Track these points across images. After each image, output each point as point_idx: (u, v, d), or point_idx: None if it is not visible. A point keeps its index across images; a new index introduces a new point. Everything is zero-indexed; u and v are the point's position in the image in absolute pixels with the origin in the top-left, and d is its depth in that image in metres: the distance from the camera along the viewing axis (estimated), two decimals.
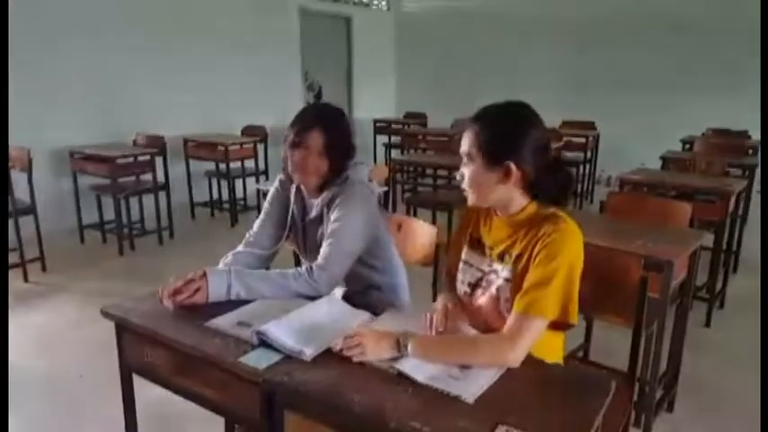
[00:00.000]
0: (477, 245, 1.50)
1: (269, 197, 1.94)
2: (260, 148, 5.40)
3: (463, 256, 1.53)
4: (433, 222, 4.44)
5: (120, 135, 4.88)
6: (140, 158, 4.49)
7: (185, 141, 5.23)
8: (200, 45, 5.58)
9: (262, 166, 5.49)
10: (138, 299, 1.72)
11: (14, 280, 3.78)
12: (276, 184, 1.93)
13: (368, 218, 1.76)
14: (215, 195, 5.57)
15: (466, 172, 1.39)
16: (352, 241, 1.73)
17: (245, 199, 5.61)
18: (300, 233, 1.90)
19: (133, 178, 4.55)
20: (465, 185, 1.41)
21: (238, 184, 5.42)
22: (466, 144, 1.39)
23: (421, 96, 7.85)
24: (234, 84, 5.98)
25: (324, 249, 1.71)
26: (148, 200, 4.68)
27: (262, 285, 1.65)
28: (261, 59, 6.24)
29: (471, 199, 1.41)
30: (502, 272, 1.41)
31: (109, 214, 4.51)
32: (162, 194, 4.63)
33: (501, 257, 1.42)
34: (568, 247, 1.30)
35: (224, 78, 5.88)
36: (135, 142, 4.83)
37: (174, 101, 5.40)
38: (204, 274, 1.63)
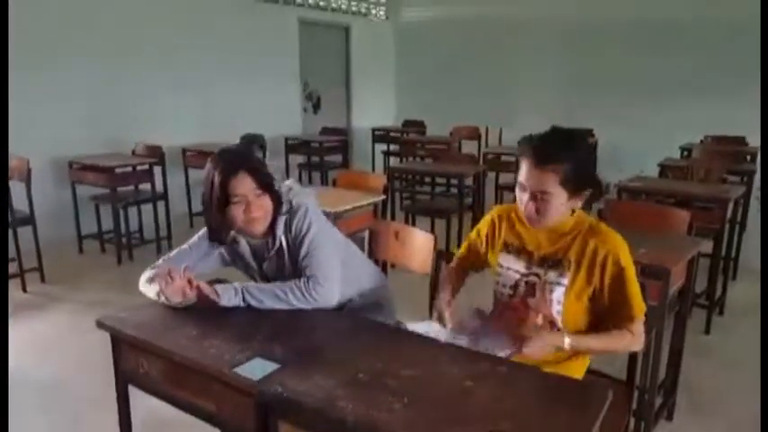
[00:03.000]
0: (517, 250, 1.65)
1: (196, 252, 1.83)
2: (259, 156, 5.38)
3: (501, 260, 1.68)
4: (432, 230, 4.47)
5: (119, 145, 4.89)
6: (139, 168, 4.49)
7: (184, 151, 5.24)
8: (200, 55, 5.60)
9: None
10: (133, 309, 1.71)
11: (13, 290, 3.77)
12: (205, 249, 1.82)
13: (332, 238, 1.82)
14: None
15: (543, 207, 1.50)
16: (333, 258, 1.75)
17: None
18: (259, 278, 1.87)
19: (132, 188, 4.56)
20: (539, 215, 1.52)
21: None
22: (544, 184, 1.48)
23: (420, 104, 7.88)
24: (233, 93, 6.00)
25: (311, 269, 1.71)
26: (147, 210, 4.68)
27: (266, 299, 1.67)
28: (260, 69, 6.26)
29: (541, 224, 1.55)
30: (548, 275, 1.58)
31: (108, 224, 4.51)
32: (161, 204, 4.63)
33: (543, 262, 1.60)
34: (629, 256, 1.55)
35: (223, 88, 5.90)
36: (134, 152, 4.84)
37: (174, 111, 5.42)
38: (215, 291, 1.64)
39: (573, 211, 1.57)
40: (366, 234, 2.41)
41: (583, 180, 1.50)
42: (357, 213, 3.07)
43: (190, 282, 1.63)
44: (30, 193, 3.77)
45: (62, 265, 4.20)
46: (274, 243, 1.77)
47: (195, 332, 1.53)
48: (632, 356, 1.72)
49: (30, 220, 3.79)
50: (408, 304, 2.03)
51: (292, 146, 6.35)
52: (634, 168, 4.33)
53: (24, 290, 3.80)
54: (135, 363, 1.60)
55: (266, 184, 1.69)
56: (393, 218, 4.54)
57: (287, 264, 1.79)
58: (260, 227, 1.73)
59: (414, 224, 4.38)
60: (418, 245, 2.13)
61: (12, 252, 3.75)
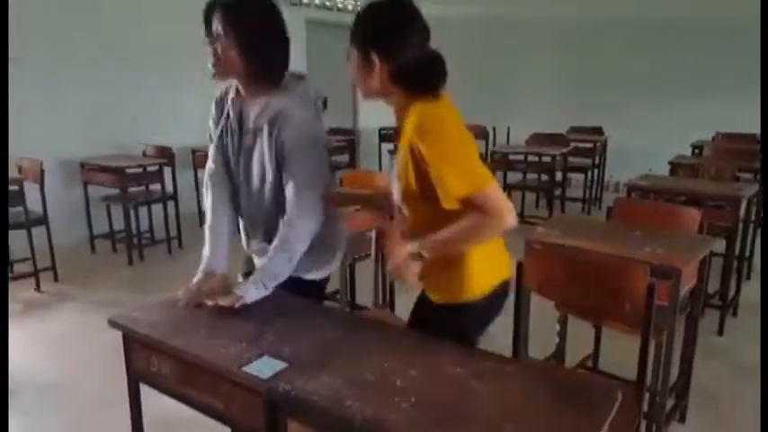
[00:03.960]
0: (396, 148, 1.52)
1: (211, 118, 1.77)
2: None
3: None
4: None
5: (129, 146, 4.93)
6: (149, 169, 4.53)
7: (193, 151, 5.27)
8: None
9: None
10: (145, 308, 1.73)
11: (27, 289, 3.82)
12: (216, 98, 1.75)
13: (309, 144, 1.61)
14: None
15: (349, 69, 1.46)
16: (318, 182, 1.64)
17: None
18: (236, 146, 1.70)
19: (142, 188, 4.59)
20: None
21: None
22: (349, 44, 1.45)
23: None
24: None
25: (290, 201, 1.61)
26: (158, 210, 4.72)
27: (282, 269, 1.66)
28: None
29: (362, 94, 1.48)
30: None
31: (119, 224, 4.55)
32: (171, 204, 4.66)
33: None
34: (437, 126, 1.34)
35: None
36: (144, 153, 4.88)
37: (180, 111, 5.45)
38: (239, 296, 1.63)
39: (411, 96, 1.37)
40: (373, 234, 2.42)
41: (368, 34, 1.38)
42: (359, 213, 3.07)
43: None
44: (43, 193, 3.82)
45: (75, 265, 4.25)
46: (251, 119, 1.63)
47: (205, 331, 1.54)
48: (642, 358, 1.71)
49: (43, 220, 3.83)
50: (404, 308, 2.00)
51: None
52: (644, 167, 4.30)
53: (38, 289, 3.85)
54: (146, 362, 1.61)
55: (237, 32, 1.51)
56: None
57: (257, 160, 1.64)
58: (219, 80, 1.61)
59: None
60: None
61: (26, 252, 3.80)
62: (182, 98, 5.43)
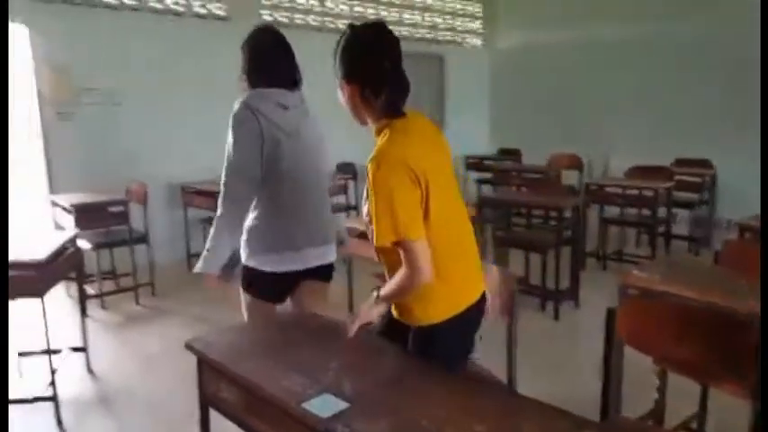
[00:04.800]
0: None
1: None
2: (351, 184, 5.53)
3: None
4: (526, 264, 4.28)
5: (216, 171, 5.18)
6: None
7: None
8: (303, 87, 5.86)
9: (353, 200, 5.60)
10: (221, 332, 1.78)
11: (128, 302, 4.11)
12: None
13: (243, 139, 1.95)
14: None
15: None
16: (235, 158, 1.97)
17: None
18: None
19: None
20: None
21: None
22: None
23: (516, 132, 7.67)
24: (331, 123, 6.19)
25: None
26: None
27: (217, 241, 2.06)
28: None
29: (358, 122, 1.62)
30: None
31: None
32: None
33: None
34: (379, 169, 1.41)
35: (323, 119, 6.11)
36: None
37: None
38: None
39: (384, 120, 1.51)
40: None
41: (345, 64, 1.50)
42: None
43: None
44: (146, 214, 4.11)
45: (172, 281, 4.51)
46: None
47: (271, 361, 1.54)
48: (758, 426, 1.48)
49: (145, 238, 4.12)
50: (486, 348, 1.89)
51: None
52: (758, 204, 3.85)
53: (137, 302, 4.12)
54: (216, 387, 1.64)
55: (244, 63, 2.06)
56: (484, 250, 4.40)
57: None
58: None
59: (506, 257, 4.22)
60: (497, 282, 2.01)
61: (128, 267, 4.10)
62: None
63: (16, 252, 2.46)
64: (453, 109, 7.65)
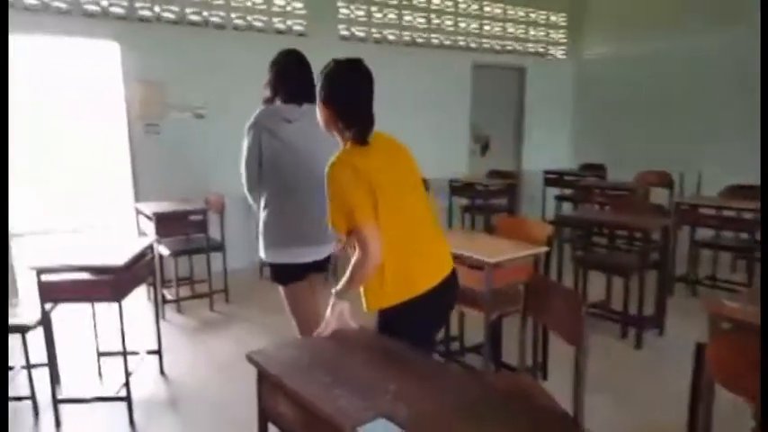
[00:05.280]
0: None
1: None
2: None
3: None
4: (608, 288, 4.01)
5: None
6: None
7: None
8: (379, 105, 5.90)
9: None
10: (282, 345, 1.76)
11: (203, 308, 4.25)
12: None
13: (249, 145, 2.42)
14: None
15: None
16: (245, 158, 2.44)
17: None
18: None
19: None
20: None
21: None
22: None
23: (600, 147, 7.29)
24: (403, 137, 6.14)
25: None
26: None
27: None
28: (428, 112, 6.39)
29: None
30: None
31: None
32: None
33: None
34: (335, 175, 1.71)
35: (395, 132, 6.07)
36: None
37: None
38: None
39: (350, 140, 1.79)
40: (521, 289, 2.20)
41: (324, 90, 1.81)
42: (515, 264, 2.84)
43: None
44: (223, 223, 4.25)
45: (245, 289, 4.63)
46: None
47: (329, 379, 1.50)
48: None
49: (221, 246, 4.26)
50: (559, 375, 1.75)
51: (456, 188, 6.30)
52: None
53: (211, 308, 4.25)
54: (274, 401, 1.61)
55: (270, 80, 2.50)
56: (560, 271, 4.17)
57: None
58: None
59: (585, 280, 3.97)
60: (569, 307, 1.86)
61: (204, 274, 4.25)
62: None
63: (97, 257, 2.60)
64: (533, 122, 7.41)
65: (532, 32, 7.31)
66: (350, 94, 1.79)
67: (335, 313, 1.80)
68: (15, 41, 4.86)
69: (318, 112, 1.84)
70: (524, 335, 2.20)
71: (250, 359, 1.66)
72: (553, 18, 7.47)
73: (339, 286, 1.78)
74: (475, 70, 6.73)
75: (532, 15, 7.28)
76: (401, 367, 1.56)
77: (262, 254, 2.47)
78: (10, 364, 2.86)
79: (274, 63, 2.49)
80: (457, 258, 2.89)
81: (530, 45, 7.32)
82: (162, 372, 3.18)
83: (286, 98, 2.41)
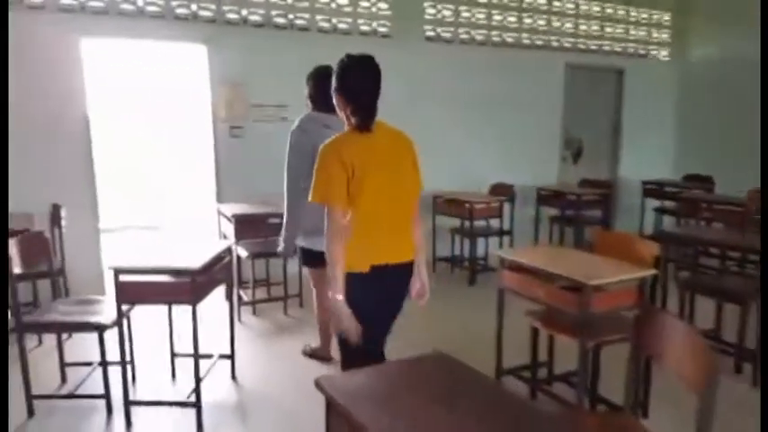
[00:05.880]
0: None
1: None
2: (507, 207, 5.15)
3: None
4: (717, 316, 3.53)
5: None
6: None
7: (434, 197, 5.30)
8: (460, 104, 5.69)
9: (507, 225, 5.21)
10: (351, 373, 1.63)
11: (276, 311, 4.21)
12: None
13: (293, 148, 2.90)
14: (456, 251, 5.49)
15: None
16: (288, 160, 2.93)
17: (485, 259, 5.38)
18: None
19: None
20: None
21: (481, 242, 5.24)
22: None
23: (707, 157, 6.59)
24: (490, 140, 5.91)
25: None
26: None
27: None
28: (517, 115, 6.06)
29: None
30: None
31: None
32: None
33: None
34: (322, 153, 1.99)
35: (481, 135, 5.85)
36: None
37: (430, 158, 5.56)
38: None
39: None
40: (632, 317, 1.90)
41: (337, 80, 2.09)
42: (618, 287, 2.52)
43: None
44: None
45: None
46: None
47: (399, 414, 1.33)
48: None
49: (296, 251, 4.19)
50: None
51: (545, 197, 5.91)
52: None
53: (285, 312, 4.19)
54: (341, 431, 1.47)
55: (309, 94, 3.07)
56: (665, 294, 3.72)
57: None
58: None
59: (692, 304, 3.53)
60: (693, 348, 1.55)
61: (279, 276, 4.20)
62: (432, 144, 5.55)
63: (175, 259, 2.57)
64: (631, 127, 6.84)
65: (633, 32, 6.77)
66: (356, 86, 2.03)
67: (336, 311, 1.97)
68: (111, 45, 5.12)
69: (333, 98, 2.10)
70: (636, 372, 1.90)
71: (318, 386, 1.52)
72: (656, 17, 6.88)
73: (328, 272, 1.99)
74: (568, 72, 6.30)
75: (634, 14, 6.74)
76: (483, 403, 1.34)
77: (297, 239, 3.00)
78: (88, 360, 2.92)
79: (311, 77, 3.01)
80: (549, 277, 2.66)
81: (629, 45, 6.77)
82: (233, 376, 3.13)
83: (323, 108, 2.80)
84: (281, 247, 3.05)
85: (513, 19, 5.97)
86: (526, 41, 6.09)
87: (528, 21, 6.06)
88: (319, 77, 2.86)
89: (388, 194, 2.03)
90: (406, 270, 2.12)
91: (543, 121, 6.26)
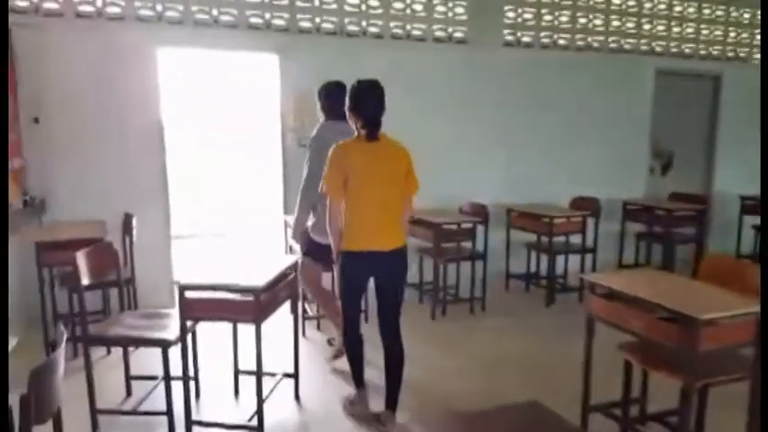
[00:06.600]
0: None
1: None
2: (590, 222, 4.76)
3: None
4: None
5: (448, 201, 4.93)
6: (463, 226, 4.43)
7: (509, 211, 4.99)
8: (538, 110, 5.36)
9: (590, 242, 4.81)
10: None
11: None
12: None
13: (313, 155, 3.22)
14: (532, 268, 5.15)
15: None
16: (309, 167, 3.29)
17: (564, 277, 5.01)
18: None
19: (455, 245, 4.51)
20: None
21: (560, 259, 4.87)
22: None
23: None
24: (569, 149, 5.53)
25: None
26: (465, 267, 4.56)
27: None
28: (603, 124, 5.64)
29: None
30: None
31: (428, 276, 4.56)
32: (479, 263, 4.45)
33: None
34: (331, 154, 2.62)
35: (557, 146, 5.49)
36: (461, 210, 4.83)
37: (506, 171, 5.30)
38: None
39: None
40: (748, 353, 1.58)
41: (350, 101, 2.69)
42: (730, 322, 2.18)
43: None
44: None
45: None
46: None
47: None
48: None
49: None
50: None
51: (631, 212, 5.46)
52: None
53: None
54: None
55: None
56: None
57: None
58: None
59: None
60: None
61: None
62: (507, 156, 5.28)
63: (239, 276, 2.47)
64: (728, 137, 6.21)
65: (732, 34, 6.16)
66: (366, 105, 2.61)
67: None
68: (185, 55, 5.20)
69: (347, 114, 2.69)
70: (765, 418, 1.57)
71: None
72: (759, 17, 6.23)
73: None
74: (659, 77, 5.80)
75: (734, 14, 6.13)
76: None
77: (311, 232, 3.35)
78: (154, 373, 2.87)
79: (321, 93, 3.43)
80: (646, 305, 2.34)
81: (728, 49, 6.16)
82: (297, 396, 3.01)
83: (334, 116, 3.22)
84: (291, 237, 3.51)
85: (599, 22, 5.57)
86: (613, 45, 5.67)
87: (615, 23, 5.64)
88: (329, 92, 3.35)
89: (375, 197, 2.60)
90: (389, 255, 2.63)
91: (630, 129, 5.79)
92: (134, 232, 3.78)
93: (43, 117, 4.01)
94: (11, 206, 3.51)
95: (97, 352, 3.33)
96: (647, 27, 5.76)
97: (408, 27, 4.92)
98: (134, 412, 2.66)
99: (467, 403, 2.92)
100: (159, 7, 4.20)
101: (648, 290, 2.35)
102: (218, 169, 7.76)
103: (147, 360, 2.96)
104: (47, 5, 3.97)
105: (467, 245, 4.50)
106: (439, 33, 5.02)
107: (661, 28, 5.83)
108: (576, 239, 4.86)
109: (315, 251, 3.27)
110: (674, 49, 5.91)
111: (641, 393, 2.73)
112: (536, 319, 4.36)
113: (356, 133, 2.64)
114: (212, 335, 3.25)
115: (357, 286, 2.70)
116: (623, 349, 2.49)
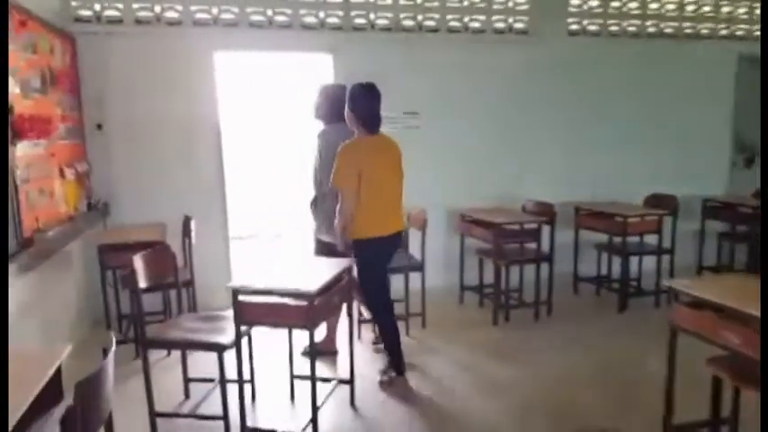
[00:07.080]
0: None
1: None
2: (667, 221, 4.41)
3: None
4: None
5: (509, 199, 4.74)
6: (527, 226, 4.20)
7: (577, 210, 4.71)
8: (607, 102, 5.05)
9: (667, 243, 4.46)
10: None
11: None
12: None
13: (321, 149, 3.35)
14: (603, 271, 4.83)
15: None
16: (319, 165, 3.37)
17: (639, 280, 4.67)
18: None
19: (517, 245, 4.29)
20: None
21: (633, 261, 4.54)
22: None
23: None
24: (641, 144, 5.17)
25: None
26: (529, 269, 4.32)
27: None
28: (679, 116, 5.24)
29: None
30: None
31: (488, 278, 4.36)
32: (544, 265, 4.21)
33: None
34: (342, 151, 2.90)
35: (628, 141, 5.14)
36: (524, 208, 4.60)
37: (570, 167, 5.02)
38: None
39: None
40: None
41: (350, 102, 2.99)
42: None
43: None
44: (424, 240, 3.89)
45: (442, 315, 4.20)
46: None
47: None
48: None
49: (421, 266, 3.90)
50: None
51: (711, 209, 5.04)
52: None
53: (407, 333, 3.88)
54: None
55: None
56: None
57: None
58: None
59: None
60: None
61: (401, 294, 3.91)
62: (573, 152, 5.01)
63: (292, 280, 2.40)
64: None
65: None
66: (363, 105, 2.93)
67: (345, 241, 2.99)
68: (240, 57, 5.23)
69: (346, 115, 2.98)
70: None
71: None
72: None
73: (336, 220, 2.99)
74: (741, 64, 5.33)
75: None
76: None
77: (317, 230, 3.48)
78: (212, 375, 2.86)
79: (328, 92, 3.44)
80: (740, 317, 2.07)
81: None
82: (353, 403, 2.91)
83: (333, 119, 3.30)
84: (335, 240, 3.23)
85: (672, 6, 5.17)
86: (689, 31, 5.25)
87: (691, 7, 5.22)
88: (333, 93, 3.42)
89: (383, 188, 2.97)
90: (394, 237, 3.05)
91: (710, 121, 5.35)
92: (193, 234, 3.81)
93: (105, 122, 4.13)
94: (77, 210, 3.62)
95: (157, 353, 3.36)
96: (726, 10, 5.30)
97: (466, 19, 4.74)
98: (191, 415, 2.65)
99: (533, 425, 2.73)
100: (215, 10, 4.23)
101: (741, 299, 2.10)
102: (276, 170, 7.82)
103: (205, 361, 2.94)
104: (108, 13, 4.08)
105: (530, 246, 4.27)
106: (498, 25, 4.81)
107: (742, 10, 5.35)
108: (650, 240, 4.52)
109: (325, 252, 3.31)
110: (757, 33, 5.40)
111: (731, 413, 2.45)
112: (608, 325, 4.08)
113: (355, 133, 2.97)
114: (270, 336, 3.21)
115: (384, 269, 3.12)
116: (713, 366, 2.24)
